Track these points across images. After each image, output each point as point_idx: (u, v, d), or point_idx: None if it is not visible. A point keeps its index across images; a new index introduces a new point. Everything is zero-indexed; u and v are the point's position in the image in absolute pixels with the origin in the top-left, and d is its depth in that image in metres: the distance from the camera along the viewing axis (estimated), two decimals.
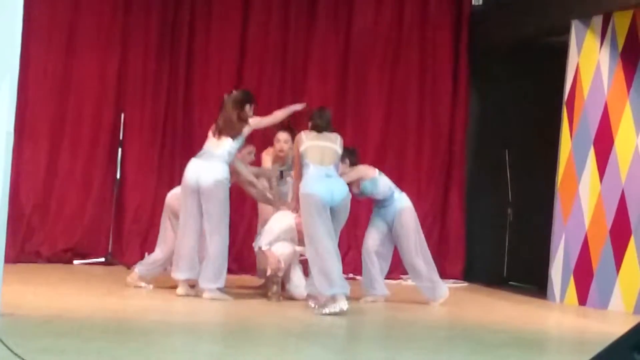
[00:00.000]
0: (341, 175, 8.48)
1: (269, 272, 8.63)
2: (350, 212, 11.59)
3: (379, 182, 9.08)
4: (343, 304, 7.75)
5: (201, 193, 8.38)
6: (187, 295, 8.41)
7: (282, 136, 9.26)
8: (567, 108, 10.38)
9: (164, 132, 11.36)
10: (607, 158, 9.89)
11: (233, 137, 8.53)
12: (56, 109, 10.93)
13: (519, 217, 11.94)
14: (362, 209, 11.90)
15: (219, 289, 8.36)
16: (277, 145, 9.30)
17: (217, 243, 8.35)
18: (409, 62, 12.06)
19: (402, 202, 9.15)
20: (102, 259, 10.89)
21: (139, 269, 8.93)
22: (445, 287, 9.16)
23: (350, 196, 8.48)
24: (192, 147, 11.36)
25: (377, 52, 11.97)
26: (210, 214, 8.37)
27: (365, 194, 9.14)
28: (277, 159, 9.37)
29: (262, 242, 8.61)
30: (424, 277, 9.05)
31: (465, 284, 11.49)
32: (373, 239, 9.13)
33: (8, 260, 10.37)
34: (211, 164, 8.41)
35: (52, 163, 10.91)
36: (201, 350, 5.93)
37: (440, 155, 12.15)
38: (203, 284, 8.34)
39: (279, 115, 8.89)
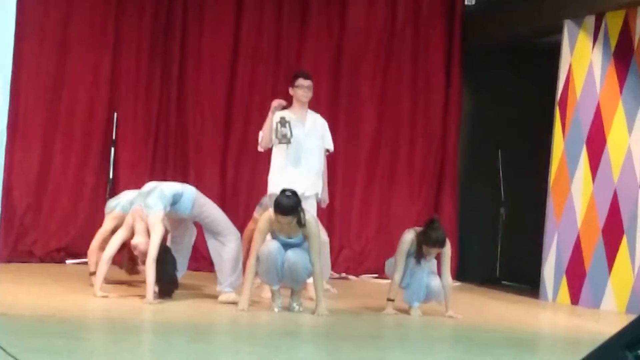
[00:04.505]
0: None
1: None
2: (342, 213, 11.71)
3: None
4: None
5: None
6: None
7: (307, 82, 8.81)
8: (559, 108, 10.40)
9: (157, 132, 11.35)
10: (600, 158, 9.91)
11: None
12: (49, 108, 10.90)
13: (512, 216, 11.96)
14: (354, 208, 11.93)
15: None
16: (300, 91, 8.78)
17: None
18: (401, 61, 12.07)
19: None
20: None
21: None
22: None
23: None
24: (185, 146, 11.39)
25: (370, 52, 11.98)
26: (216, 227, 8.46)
27: None
28: (298, 105, 8.83)
29: None
30: None
31: (458, 284, 11.48)
32: None
33: (1, 259, 10.44)
34: None
35: (45, 162, 10.89)
36: (193, 349, 5.92)
37: (432, 155, 12.16)
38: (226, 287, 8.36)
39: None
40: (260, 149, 8.94)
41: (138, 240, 8.04)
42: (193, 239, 9.05)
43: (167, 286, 8.09)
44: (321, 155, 8.90)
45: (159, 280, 7.92)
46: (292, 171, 8.66)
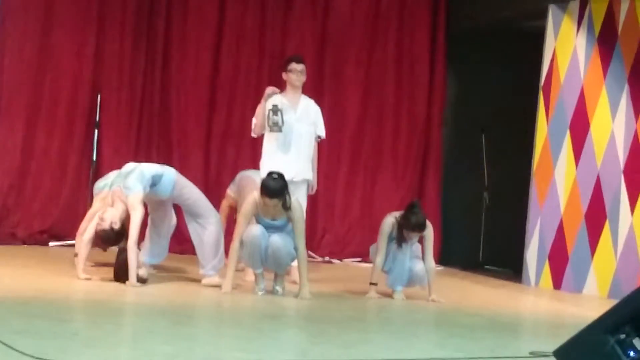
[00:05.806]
0: None
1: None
2: (326, 197, 11.71)
3: None
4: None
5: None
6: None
7: (300, 67, 8.73)
8: (543, 93, 10.41)
9: (141, 114, 11.32)
10: (583, 143, 9.94)
11: None
12: (32, 89, 10.86)
13: (495, 201, 11.99)
14: (338, 192, 11.94)
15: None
16: (293, 75, 8.69)
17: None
18: (386, 45, 12.06)
19: None
20: None
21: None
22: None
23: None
24: (169, 128, 11.37)
25: (355, 35, 11.97)
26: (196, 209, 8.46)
27: None
28: (292, 88, 8.73)
29: None
30: None
31: (442, 268, 11.52)
32: None
33: None
34: None
35: (28, 143, 10.85)
36: (177, 332, 5.92)
37: (416, 139, 12.17)
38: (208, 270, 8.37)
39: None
40: (253, 135, 8.93)
41: (109, 212, 7.99)
42: (174, 221, 9.02)
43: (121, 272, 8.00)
44: (311, 141, 8.84)
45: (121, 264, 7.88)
46: (282, 156, 8.64)
